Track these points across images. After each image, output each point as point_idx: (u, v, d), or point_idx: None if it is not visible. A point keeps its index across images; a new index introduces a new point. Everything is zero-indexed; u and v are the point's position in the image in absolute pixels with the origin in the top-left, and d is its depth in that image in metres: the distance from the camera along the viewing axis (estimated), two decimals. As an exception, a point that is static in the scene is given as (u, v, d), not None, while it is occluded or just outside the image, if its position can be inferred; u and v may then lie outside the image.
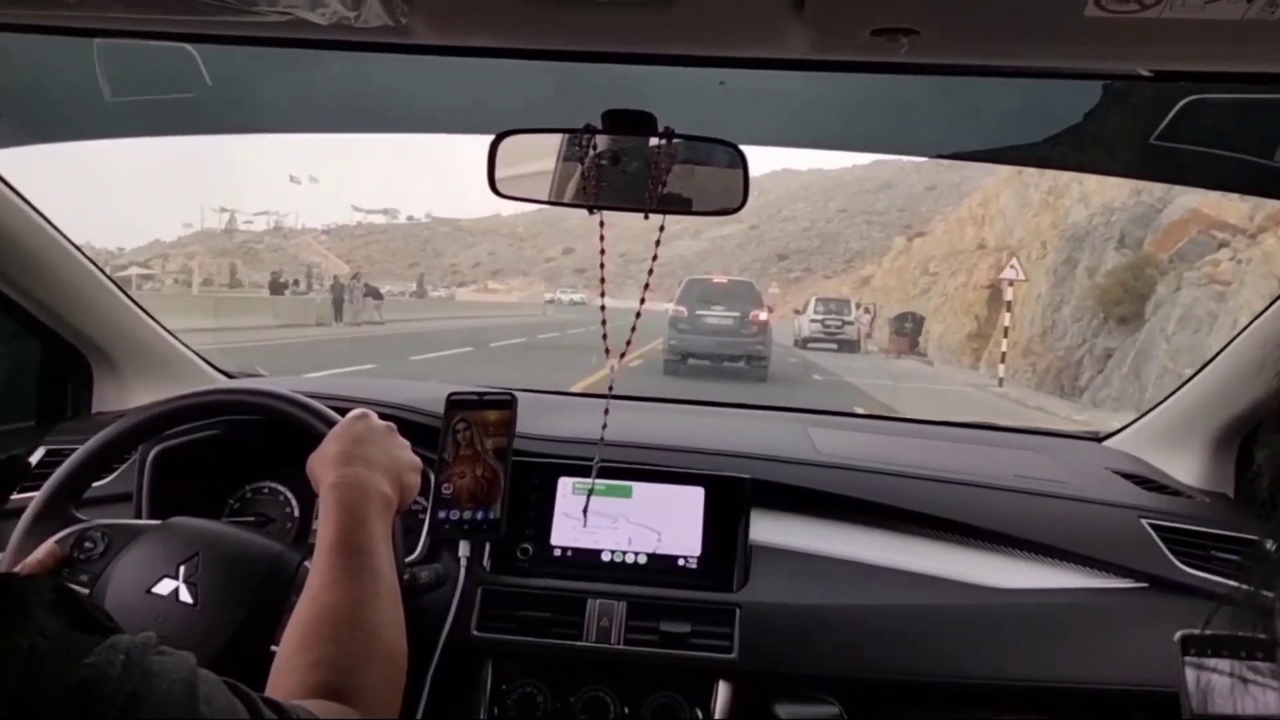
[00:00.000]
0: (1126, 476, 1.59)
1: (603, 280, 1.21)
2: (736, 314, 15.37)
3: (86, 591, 1.08)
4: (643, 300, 1.25)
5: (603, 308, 1.23)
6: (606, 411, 1.30)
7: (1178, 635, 0.90)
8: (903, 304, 33.33)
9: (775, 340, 17.41)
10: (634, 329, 1.20)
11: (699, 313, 15.32)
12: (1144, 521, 1.40)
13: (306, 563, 1.07)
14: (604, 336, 1.21)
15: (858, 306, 29.33)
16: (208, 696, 0.54)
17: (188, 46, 1.19)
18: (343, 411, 1.16)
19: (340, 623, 0.79)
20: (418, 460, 1.09)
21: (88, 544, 1.13)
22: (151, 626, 0.99)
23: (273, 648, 0.98)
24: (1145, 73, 0.94)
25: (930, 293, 33.51)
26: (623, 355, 1.23)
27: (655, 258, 1.20)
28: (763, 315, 15.63)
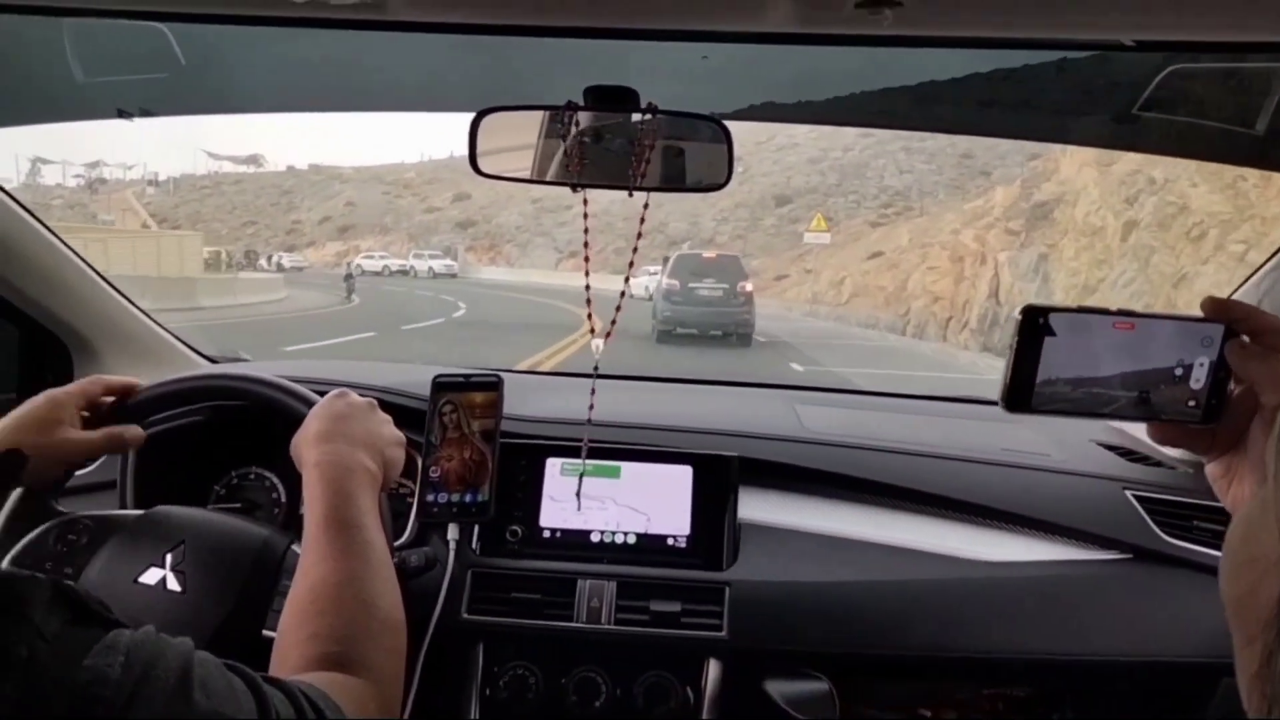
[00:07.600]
0: (1110, 448, 1.60)
1: (587, 260, 1.20)
2: (726, 285, 16.42)
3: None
4: (628, 279, 1.24)
5: (587, 287, 1.22)
6: (593, 391, 1.30)
7: None
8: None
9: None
10: (619, 308, 1.19)
11: (691, 285, 16.26)
12: (1127, 493, 1.41)
13: (295, 546, 1.07)
14: (589, 316, 1.20)
15: None
16: (202, 682, 0.54)
17: (160, 25, 1.17)
18: (326, 394, 1.15)
19: (336, 595, 0.79)
20: (400, 435, 1.08)
21: (71, 536, 1.11)
22: (140, 616, 0.98)
23: (264, 633, 0.98)
24: (1128, 42, 0.94)
25: None
26: (608, 334, 1.22)
27: (640, 235, 1.19)
28: (748, 286, 16.84)
